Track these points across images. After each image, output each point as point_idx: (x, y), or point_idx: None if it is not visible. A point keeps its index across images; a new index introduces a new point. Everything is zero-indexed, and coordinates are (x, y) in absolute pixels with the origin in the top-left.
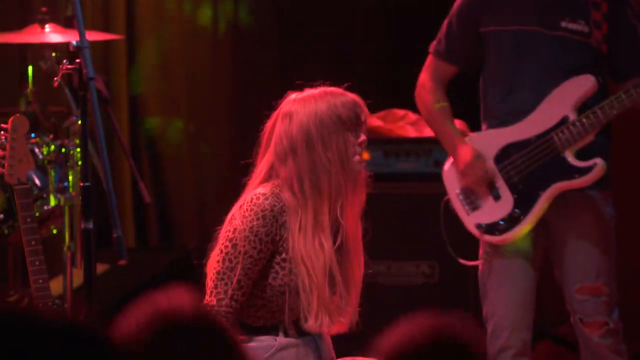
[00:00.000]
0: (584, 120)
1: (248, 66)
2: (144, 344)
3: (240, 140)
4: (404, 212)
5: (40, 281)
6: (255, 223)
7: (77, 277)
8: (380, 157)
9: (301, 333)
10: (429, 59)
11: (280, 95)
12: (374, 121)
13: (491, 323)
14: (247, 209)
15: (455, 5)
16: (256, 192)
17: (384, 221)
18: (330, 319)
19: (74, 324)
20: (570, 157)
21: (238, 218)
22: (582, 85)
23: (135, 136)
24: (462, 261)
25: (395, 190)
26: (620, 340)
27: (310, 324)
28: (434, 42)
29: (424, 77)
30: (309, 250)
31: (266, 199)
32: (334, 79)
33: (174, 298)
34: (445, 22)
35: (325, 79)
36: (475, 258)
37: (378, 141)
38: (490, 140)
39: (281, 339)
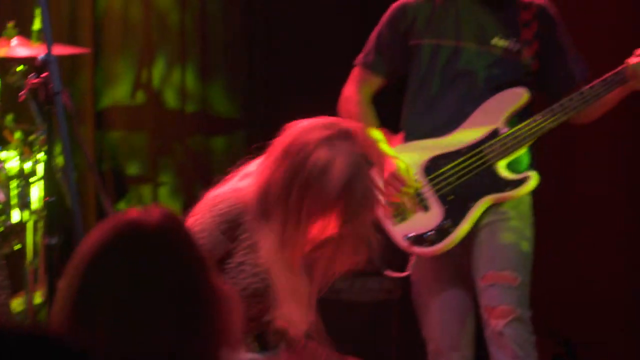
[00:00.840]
0: (517, 133)
1: (215, 77)
2: (105, 246)
3: (205, 155)
4: None
5: (3, 297)
6: (217, 219)
7: (41, 293)
8: None
9: (263, 347)
10: (356, 71)
11: (248, 108)
12: None
13: (430, 345)
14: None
15: (385, 17)
16: (228, 190)
17: None
18: (294, 324)
19: (48, 336)
20: (501, 170)
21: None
22: (514, 98)
23: (100, 151)
24: (388, 273)
25: None
26: (529, 334)
27: (277, 327)
28: (361, 55)
29: (350, 90)
30: (275, 255)
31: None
32: (306, 99)
33: (146, 210)
34: (374, 34)
35: (295, 95)
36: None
37: None
38: (418, 151)
39: (245, 355)
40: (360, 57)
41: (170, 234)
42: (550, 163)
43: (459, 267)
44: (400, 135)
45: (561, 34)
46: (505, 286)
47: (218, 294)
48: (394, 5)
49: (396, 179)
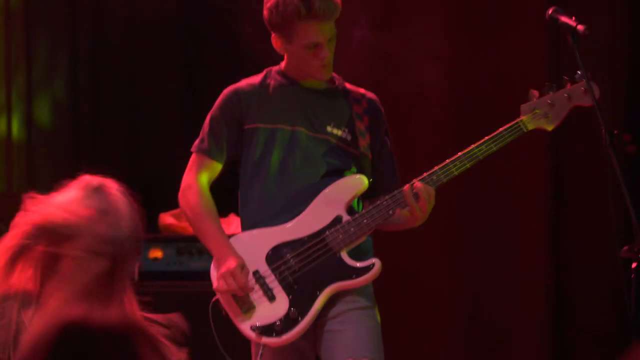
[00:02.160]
0: (361, 220)
1: (43, 159)
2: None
3: None
4: (197, 311)
5: None
6: None
7: None
8: (173, 255)
9: None
10: (193, 158)
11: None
12: (168, 219)
13: None
14: None
15: (218, 102)
16: None
17: None
18: None
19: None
20: (346, 257)
21: None
22: (355, 184)
23: None
24: None
25: (187, 289)
26: None
27: None
28: (197, 141)
29: (190, 178)
30: None
31: None
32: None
33: (91, 305)
34: (208, 119)
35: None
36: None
37: (171, 239)
38: (260, 240)
39: None
40: (196, 144)
41: (123, 336)
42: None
43: (303, 358)
44: (239, 220)
45: (385, 130)
46: None
47: None
48: (227, 91)
49: (232, 276)
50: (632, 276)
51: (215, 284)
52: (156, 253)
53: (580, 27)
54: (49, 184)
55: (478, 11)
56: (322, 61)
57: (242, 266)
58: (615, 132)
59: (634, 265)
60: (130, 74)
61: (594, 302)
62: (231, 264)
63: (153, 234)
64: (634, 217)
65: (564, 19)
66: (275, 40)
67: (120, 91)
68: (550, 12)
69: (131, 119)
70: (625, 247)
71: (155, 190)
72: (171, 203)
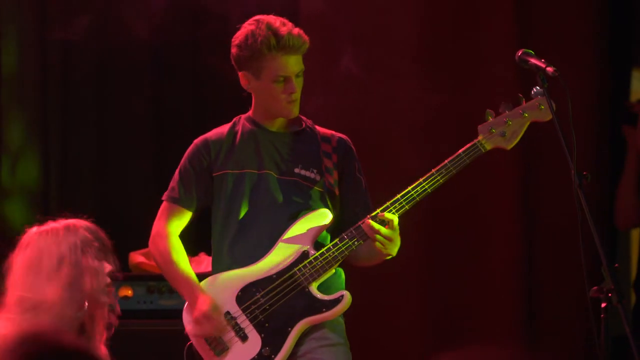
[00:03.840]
0: (326, 254)
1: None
2: None
3: None
4: (167, 350)
5: None
6: None
7: None
8: (143, 293)
9: None
10: (163, 207)
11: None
12: (138, 257)
13: None
14: None
15: (188, 152)
16: None
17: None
18: None
19: None
20: (315, 292)
21: None
22: (318, 219)
23: None
24: None
25: (158, 327)
26: None
27: None
28: (168, 190)
29: (160, 225)
30: None
31: None
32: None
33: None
34: (178, 169)
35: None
36: None
37: (141, 277)
38: (229, 282)
39: None
40: (167, 193)
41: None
42: None
43: None
44: (209, 259)
45: (358, 168)
46: None
47: None
48: (196, 141)
49: (206, 319)
50: (602, 315)
51: (188, 328)
52: (126, 291)
53: (549, 69)
54: (19, 224)
55: (453, 51)
56: (289, 96)
57: (215, 307)
58: (585, 172)
59: (603, 305)
60: (100, 115)
61: (565, 327)
62: (203, 306)
63: (123, 272)
64: (604, 259)
65: (533, 60)
66: (243, 78)
67: (90, 130)
68: (519, 53)
69: (101, 157)
70: (595, 287)
71: (125, 229)
72: (141, 242)
